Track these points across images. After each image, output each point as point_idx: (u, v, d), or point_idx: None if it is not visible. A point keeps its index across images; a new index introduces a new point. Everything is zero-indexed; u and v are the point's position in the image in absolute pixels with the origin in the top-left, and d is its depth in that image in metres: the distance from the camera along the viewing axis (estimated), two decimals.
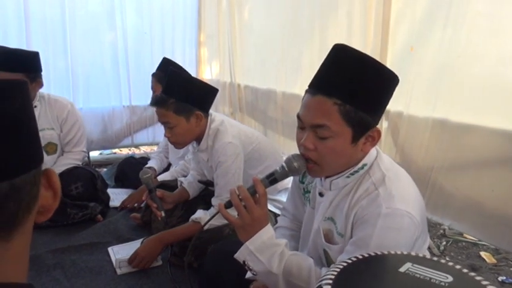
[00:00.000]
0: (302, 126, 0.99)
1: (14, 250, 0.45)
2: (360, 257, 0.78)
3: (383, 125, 1.77)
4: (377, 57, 1.69)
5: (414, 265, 0.74)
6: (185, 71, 2.27)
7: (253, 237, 1.02)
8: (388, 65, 1.67)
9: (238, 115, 3.22)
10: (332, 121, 0.93)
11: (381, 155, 1.04)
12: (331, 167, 1.01)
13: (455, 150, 1.47)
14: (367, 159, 1.01)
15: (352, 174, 1.02)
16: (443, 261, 0.77)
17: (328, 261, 1.07)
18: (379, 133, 0.97)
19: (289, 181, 1.30)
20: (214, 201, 1.79)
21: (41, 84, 2.26)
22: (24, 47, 2.78)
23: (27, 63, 2.17)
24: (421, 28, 1.57)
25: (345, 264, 0.75)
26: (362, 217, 0.95)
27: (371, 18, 1.73)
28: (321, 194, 1.10)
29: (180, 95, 1.68)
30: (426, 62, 1.56)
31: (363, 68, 0.93)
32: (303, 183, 1.24)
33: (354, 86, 0.92)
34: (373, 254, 0.79)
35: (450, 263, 0.75)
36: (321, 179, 1.09)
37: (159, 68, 2.51)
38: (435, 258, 0.77)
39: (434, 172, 1.53)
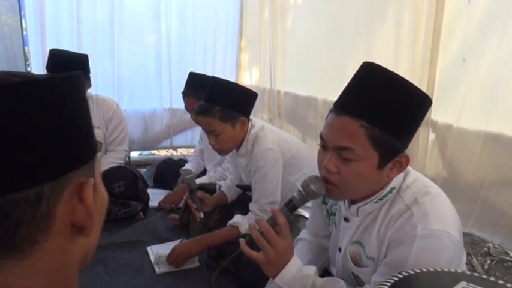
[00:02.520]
0: (324, 146, 0.94)
1: (35, 267, 0.43)
2: (412, 272, 0.75)
3: (430, 136, 1.72)
4: (426, 68, 1.65)
5: (470, 284, 0.71)
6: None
7: (281, 272, 0.99)
8: (438, 76, 1.63)
9: (277, 121, 3.22)
10: (358, 144, 0.87)
11: (410, 174, 0.98)
12: (352, 192, 0.96)
13: (509, 166, 1.41)
14: (395, 182, 0.96)
15: (380, 199, 0.97)
16: (501, 282, 0.73)
17: (359, 283, 1.03)
18: (407, 159, 0.91)
19: None
20: (252, 206, 1.80)
21: (89, 85, 2.37)
22: (75, 49, 2.90)
23: (77, 65, 2.27)
24: (475, 37, 1.51)
25: (396, 278, 0.72)
26: (397, 239, 0.90)
27: (421, 27, 1.68)
28: (346, 219, 1.06)
29: (225, 101, 1.68)
30: (480, 73, 1.50)
31: (392, 88, 0.87)
32: (326, 204, 1.20)
33: (382, 108, 0.86)
34: (425, 270, 0.76)
35: (509, 285, 0.71)
36: (345, 204, 1.05)
37: (189, 85, 2.42)
38: (492, 279, 0.73)
39: (484, 188, 1.47)
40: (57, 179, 0.42)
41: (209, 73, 1.96)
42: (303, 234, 1.34)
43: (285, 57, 3.15)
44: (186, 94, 2.41)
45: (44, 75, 0.43)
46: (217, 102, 1.68)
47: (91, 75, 2.39)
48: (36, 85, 0.40)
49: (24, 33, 3.03)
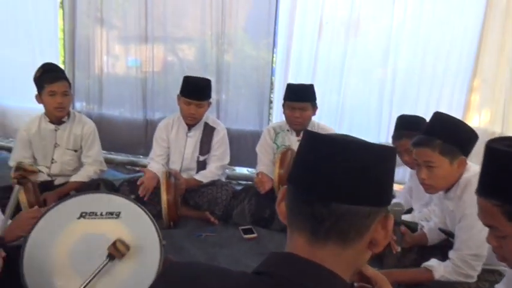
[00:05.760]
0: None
1: (344, 258, 0.68)
2: None
3: None
4: None
5: None
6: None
7: None
8: None
9: None
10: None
11: None
12: None
13: None
14: None
15: None
16: None
17: None
18: None
19: None
20: (451, 254, 1.73)
21: (315, 111, 2.83)
22: (309, 80, 3.34)
23: (312, 93, 2.81)
24: None
25: None
26: None
27: None
28: None
29: (447, 136, 1.65)
30: None
31: None
32: None
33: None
34: None
35: None
36: None
37: (400, 128, 2.36)
38: None
39: None
40: (380, 207, 0.69)
41: (431, 112, 1.93)
42: None
43: None
44: (398, 136, 2.35)
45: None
46: (439, 135, 1.65)
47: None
48: (393, 151, 0.73)
49: (274, 66, 3.70)
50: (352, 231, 0.67)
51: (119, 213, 1.55)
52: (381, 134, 3.55)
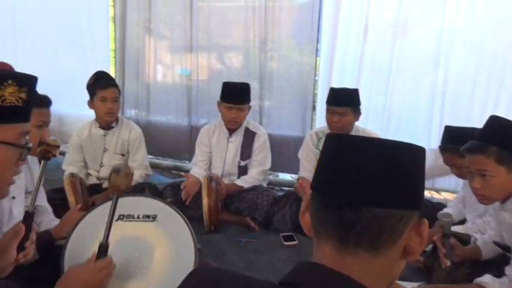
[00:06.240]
0: None
1: (375, 268, 0.63)
2: None
3: None
4: None
5: None
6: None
7: None
8: None
9: None
10: None
11: None
12: None
13: None
14: None
15: None
16: None
17: None
18: None
19: None
20: (508, 270, 1.58)
21: (359, 117, 2.73)
22: (354, 84, 3.25)
23: (353, 98, 2.71)
24: None
25: None
26: None
27: None
28: None
29: (504, 142, 1.52)
30: None
31: None
32: None
33: None
34: None
35: None
36: None
37: (446, 140, 2.26)
38: None
39: None
40: (412, 211, 0.64)
41: (486, 116, 1.77)
42: None
43: None
44: (443, 149, 2.29)
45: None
46: (495, 141, 1.52)
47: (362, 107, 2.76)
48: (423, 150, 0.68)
49: (317, 71, 3.64)
50: (385, 236, 0.62)
51: (155, 216, 1.58)
52: (432, 139, 3.36)
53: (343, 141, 0.68)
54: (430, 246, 2.13)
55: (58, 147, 1.39)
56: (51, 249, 1.67)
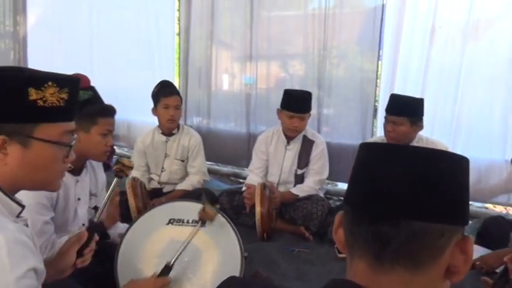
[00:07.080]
0: None
1: (418, 282, 0.58)
2: None
3: None
4: None
5: None
6: None
7: None
8: None
9: None
10: None
11: None
12: None
13: None
14: None
15: None
16: None
17: None
18: None
19: None
20: None
21: (420, 128, 2.56)
22: (418, 93, 3.08)
23: (412, 108, 2.53)
24: None
25: None
26: None
27: None
28: None
29: None
30: None
31: None
32: None
33: None
34: None
35: None
36: None
37: None
38: None
39: None
40: (456, 225, 0.60)
41: None
42: None
43: None
44: None
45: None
46: None
47: (425, 116, 2.59)
48: (467, 161, 0.63)
49: (378, 78, 3.50)
50: (425, 253, 0.58)
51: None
52: (508, 150, 3.07)
53: (378, 150, 0.64)
54: (502, 267, 1.94)
55: (132, 168, 1.48)
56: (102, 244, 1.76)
